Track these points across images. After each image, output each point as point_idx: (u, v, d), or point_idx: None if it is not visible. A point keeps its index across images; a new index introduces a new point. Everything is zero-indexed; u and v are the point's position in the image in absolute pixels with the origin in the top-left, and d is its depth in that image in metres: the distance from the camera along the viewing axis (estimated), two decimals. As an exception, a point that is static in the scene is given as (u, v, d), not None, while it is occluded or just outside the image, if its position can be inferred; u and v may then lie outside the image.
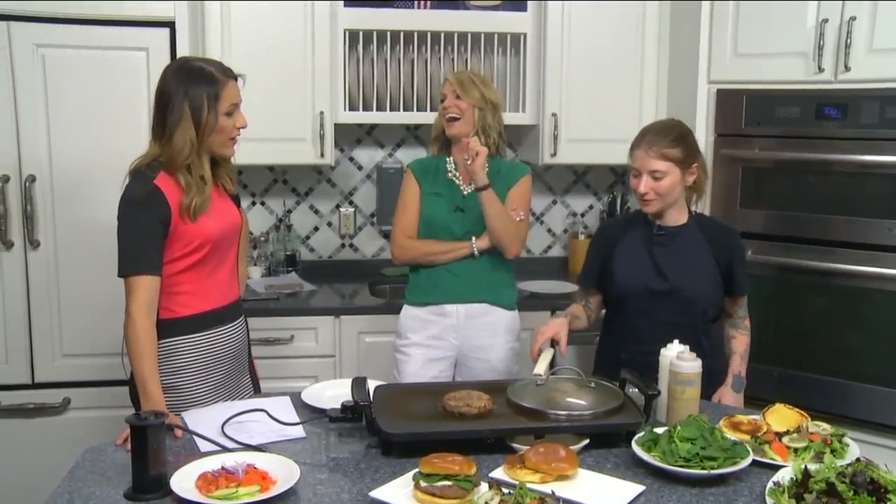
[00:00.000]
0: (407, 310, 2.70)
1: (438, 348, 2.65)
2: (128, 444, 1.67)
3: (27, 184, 2.78)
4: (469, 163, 2.45)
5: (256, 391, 2.35)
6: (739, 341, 2.40)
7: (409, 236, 2.67)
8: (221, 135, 2.07)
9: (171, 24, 2.84)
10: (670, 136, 2.25)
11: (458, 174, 2.67)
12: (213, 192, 2.13)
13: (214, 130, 2.05)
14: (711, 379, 2.21)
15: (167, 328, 2.09)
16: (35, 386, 2.90)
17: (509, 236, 2.58)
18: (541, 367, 2.13)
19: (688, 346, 2.02)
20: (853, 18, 2.74)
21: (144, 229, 2.00)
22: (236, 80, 2.10)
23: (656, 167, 2.22)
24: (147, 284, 1.99)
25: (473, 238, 2.61)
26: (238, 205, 2.28)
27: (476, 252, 2.60)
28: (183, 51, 2.84)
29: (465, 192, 2.65)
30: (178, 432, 1.85)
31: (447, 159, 2.70)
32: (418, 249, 2.65)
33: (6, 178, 2.77)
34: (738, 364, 2.36)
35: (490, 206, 2.51)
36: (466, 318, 2.63)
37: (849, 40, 2.75)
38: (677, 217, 2.32)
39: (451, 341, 2.65)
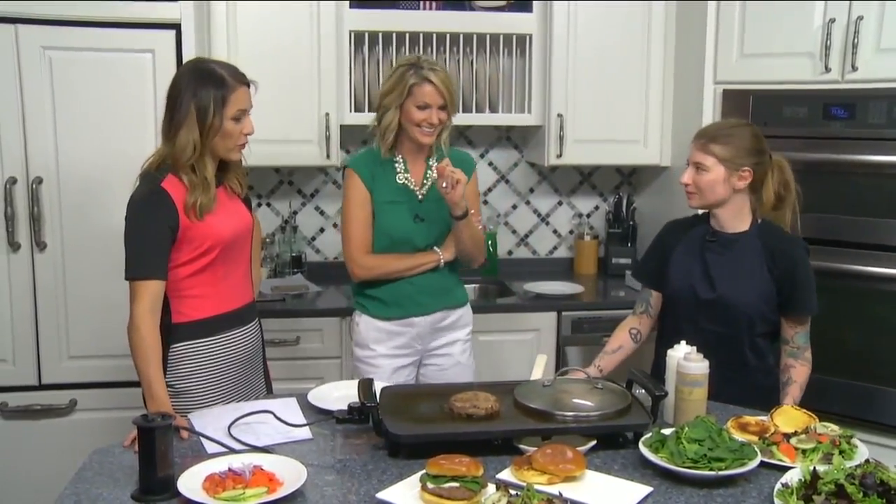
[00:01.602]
0: (368, 321, 2.55)
1: (405, 356, 2.58)
2: (135, 445, 1.66)
3: (34, 186, 2.79)
4: (448, 191, 2.29)
5: (269, 392, 2.35)
6: (799, 371, 2.21)
7: (367, 251, 2.49)
8: (227, 139, 2.06)
9: (177, 27, 2.84)
10: (725, 132, 2.21)
11: (409, 177, 2.50)
12: (223, 195, 2.14)
13: (219, 134, 2.04)
14: (757, 394, 2.17)
15: (181, 332, 2.09)
16: (42, 387, 2.90)
17: (479, 251, 2.53)
18: (536, 374, 2.14)
19: (703, 357, 1.97)
20: (860, 18, 2.73)
21: (150, 233, 2.00)
22: (248, 86, 2.10)
23: (699, 159, 2.19)
24: (151, 289, 1.99)
25: (438, 250, 2.51)
26: (250, 207, 2.28)
27: (442, 264, 2.52)
28: (189, 53, 2.84)
29: (420, 197, 2.50)
30: (185, 433, 1.85)
31: (395, 158, 2.50)
32: (383, 268, 2.49)
33: (13, 180, 2.78)
34: (797, 393, 2.19)
35: (466, 231, 2.41)
36: (432, 325, 2.56)
37: (856, 40, 2.74)
38: (735, 223, 2.24)
39: (417, 347, 2.58)
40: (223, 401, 2.14)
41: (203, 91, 2.01)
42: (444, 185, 2.29)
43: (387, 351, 2.55)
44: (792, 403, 2.12)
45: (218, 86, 2.02)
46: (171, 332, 2.08)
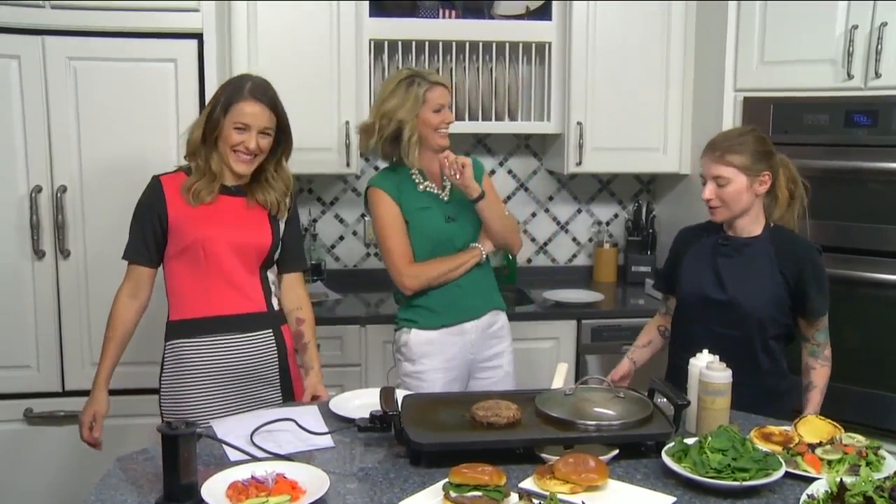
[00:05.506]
0: (418, 335, 2.52)
1: (455, 368, 2.55)
2: (93, 434, 2.10)
3: (58, 194, 2.82)
4: (458, 177, 2.38)
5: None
6: (819, 374, 2.23)
7: (411, 261, 2.48)
8: (224, 143, 2.16)
9: (199, 36, 2.87)
10: (736, 141, 2.20)
11: (430, 184, 2.53)
12: (240, 205, 2.21)
13: (218, 133, 2.15)
14: (770, 399, 2.18)
15: (174, 330, 2.19)
16: (65, 394, 2.92)
17: (512, 232, 2.56)
18: (557, 383, 2.14)
19: (719, 361, 1.96)
20: (884, 24, 2.71)
21: (141, 221, 2.19)
22: (268, 106, 2.16)
23: (719, 172, 2.18)
24: (135, 273, 2.19)
25: (478, 245, 2.55)
26: (296, 227, 2.36)
27: (485, 257, 2.55)
28: (210, 62, 2.86)
29: (445, 198, 2.54)
30: (86, 433, 2.10)
31: (410, 171, 2.51)
32: (430, 272, 2.48)
33: (38, 189, 2.81)
34: (817, 399, 2.21)
35: (489, 210, 2.45)
36: (482, 330, 2.57)
37: (879, 46, 2.72)
38: (750, 228, 2.25)
39: (468, 357, 2.57)
40: (227, 408, 2.17)
41: (219, 92, 2.18)
42: (451, 172, 2.39)
43: (438, 365, 2.52)
44: (813, 413, 2.12)
45: (231, 92, 2.15)
46: (168, 329, 2.20)
